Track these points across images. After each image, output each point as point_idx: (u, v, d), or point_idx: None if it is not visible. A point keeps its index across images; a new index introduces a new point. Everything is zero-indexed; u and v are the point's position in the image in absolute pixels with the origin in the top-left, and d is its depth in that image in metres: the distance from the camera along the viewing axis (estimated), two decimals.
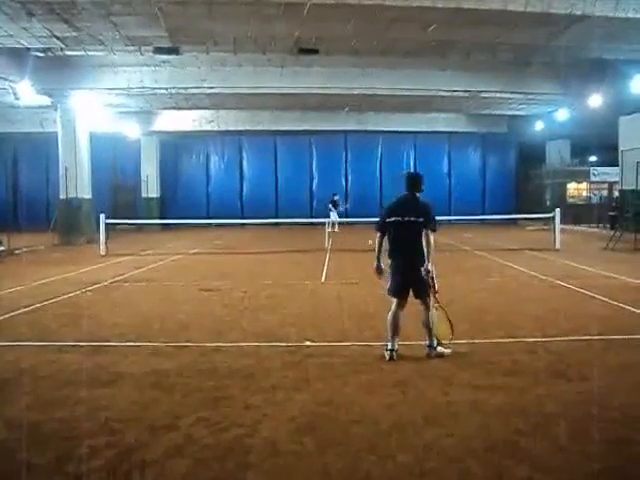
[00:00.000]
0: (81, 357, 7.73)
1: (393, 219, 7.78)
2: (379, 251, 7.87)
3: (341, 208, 34.20)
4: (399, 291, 7.74)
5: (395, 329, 7.65)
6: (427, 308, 7.74)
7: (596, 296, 11.78)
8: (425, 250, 7.59)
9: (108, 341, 8.52)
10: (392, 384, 6.56)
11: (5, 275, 15.92)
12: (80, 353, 7.93)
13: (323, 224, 23.53)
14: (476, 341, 8.41)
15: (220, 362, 7.47)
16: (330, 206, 32.90)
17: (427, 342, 7.75)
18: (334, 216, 31.72)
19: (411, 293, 7.77)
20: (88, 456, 4.78)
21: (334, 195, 34.40)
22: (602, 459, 4.75)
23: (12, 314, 10.49)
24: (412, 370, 7.06)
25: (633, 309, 10.48)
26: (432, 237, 7.64)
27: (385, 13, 16.66)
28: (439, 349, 7.71)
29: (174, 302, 11.90)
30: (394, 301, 7.77)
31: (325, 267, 16.95)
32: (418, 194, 7.93)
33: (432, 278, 7.66)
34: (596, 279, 14.11)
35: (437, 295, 7.81)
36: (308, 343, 8.32)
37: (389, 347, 7.60)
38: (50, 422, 5.51)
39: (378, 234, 7.91)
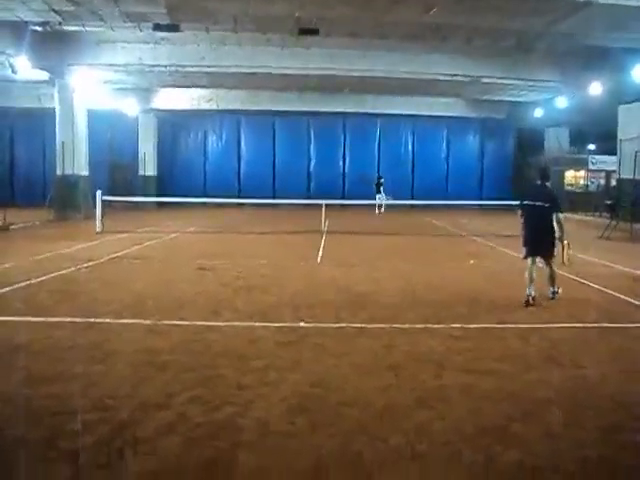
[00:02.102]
0: (75, 333, 7.74)
1: (527, 202, 10.30)
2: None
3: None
4: (529, 255, 10.20)
5: (530, 279, 9.98)
6: (550, 266, 10.20)
7: (590, 284, 11.82)
8: (557, 227, 10.01)
9: (102, 318, 8.50)
10: (385, 367, 6.58)
11: (0, 251, 15.88)
12: (74, 329, 7.93)
13: (320, 205, 23.46)
14: (469, 326, 8.43)
15: (214, 341, 7.49)
16: (376, 188, 33.15)
17: (551, 289, 10.31)
18: (381, 197, 31.96)
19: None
20: (81, 432, 4.79)
21: (379, 178, 34.39)
22: (592, 446, 4.79)
23: (7, 289, 10.46)
24: (406, 354, 7.08)
25: (626, 298, 10.52)
26: (561, 216, 10.08)
27: None
28: (559, 291, 10.30)
29: (169, 280, 11.89)
30: (528, 261, 10.15)
31: (321, 248, 16.95)
32: (547, 183, 10.38)
33: (564, 246, 10.25)
34: (591, 267, 14.13)
35: (570, 251, 10.39)
36: (302, 324, 8.34)
37: (527, 293, 9.89)
38: (43, 398, 5.52)
39: (519, 212, 10.47)
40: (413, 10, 18.09)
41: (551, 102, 32.46)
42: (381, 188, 33.32)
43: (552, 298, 10.21)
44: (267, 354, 6.96)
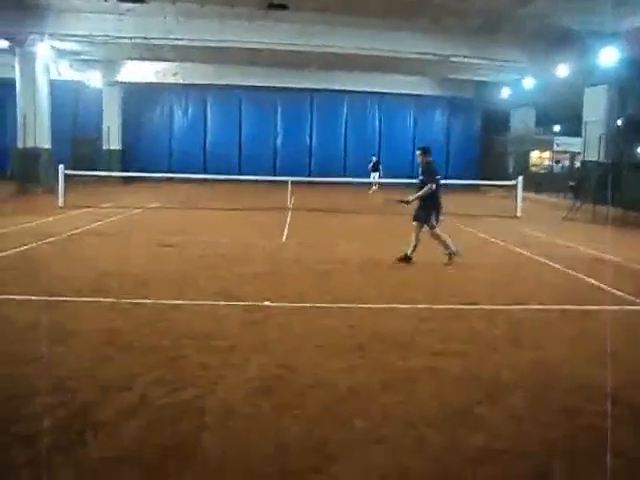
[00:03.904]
0: (34, 312, 7.58)
1: (438, 177, 11.57)
2: None
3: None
4: (436, 221, 11.61)
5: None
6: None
7: (554, 265, 11.93)
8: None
9: (63, 296, 8.33)
10: (351, 348, 6.54)
11: None
12: (33, 308, 7.77)
13: (286, 182, 23.30)
14: (434, 306, 8.44)
15: (177, 320, 7.39)
16: (370, 167, 33.03)
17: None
18: (375, 176, 31.95)
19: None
20: (38, 416, 4.67)
21: (373, 156, 34.25)
22: (555, 428, 4.82)
23: None
24: (371, 334, 7.04)
25: (589, 279, 10.61)
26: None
27: None
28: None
29: (132, 257, 11.74)
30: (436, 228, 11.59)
31: (286, 227, 16.87)
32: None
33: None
34: (555, 248, 14.28)
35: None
36: (267, 303, 8.26)
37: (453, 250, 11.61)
38: None
39: (434, 186, 11.41)
40: None
41: (518, 83, 32.60)
42: (379, 167, 33.32)
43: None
44: (231, 334, 6.88)
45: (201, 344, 6.48)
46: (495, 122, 39.83)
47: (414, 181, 27.31)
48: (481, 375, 5.88)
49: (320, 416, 4.88)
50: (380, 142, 40.85)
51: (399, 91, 38.01)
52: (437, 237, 11.59)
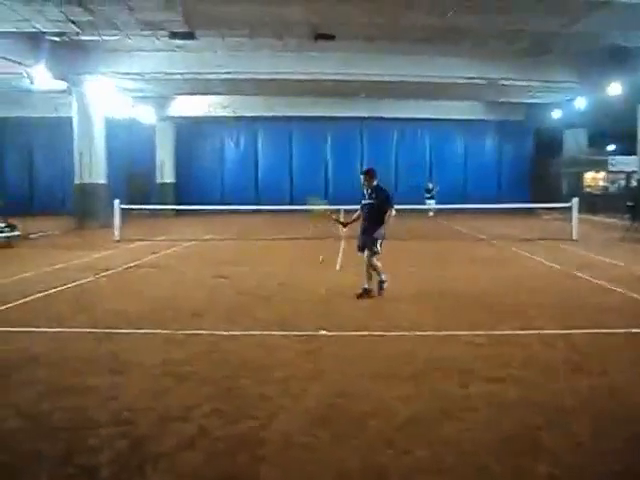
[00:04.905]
0: (93, 344, 7.68)
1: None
2: None
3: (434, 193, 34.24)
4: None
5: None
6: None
7: (614, 288, 11.60)
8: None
9: (120, 328, 8.45)
10: (408, 376, 6.44)
11: (20, 260, 15.94)
12: (92, 340, 7.88)
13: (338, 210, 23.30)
14: (492, 332, 8.27)
15: (233, 351, 7.40)
16: (426, 194, 33.36)
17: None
18: (431, 202, 32.23)
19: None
20: (99, 447, 4.70)
21: (429, 182, 34.47)
22: (620, 458, 4.63)
23: (26, 299, 10.46)
24: (428, 362, 6.94)
25: None
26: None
27: None
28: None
29: (187, 289, 11.85)
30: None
31: (340, 255, 16.82)
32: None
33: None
34: (614, 270, 13.91)
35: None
36: (322, 332, 8.22)
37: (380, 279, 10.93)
38: (60, 411, 5.45)
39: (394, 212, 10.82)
40: (429, 13, 18.00)
41: (569, 103, 32.20)
42: (433, 194, 33.47)
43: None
44: (287, 364, 6.85)
45: (257, 374, 6.47)
46: (547, 144, 39.34)
47: (465, 206, 27.02)
48: (541, 402, 5.71)
49: (379, 445, 4.79)
50: (431, 168, 40.69)
51: (448, 117, 37.91)
52: (375, 266, 10.86)
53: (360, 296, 10.64)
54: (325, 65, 24.84)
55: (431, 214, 32.17)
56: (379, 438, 4.93)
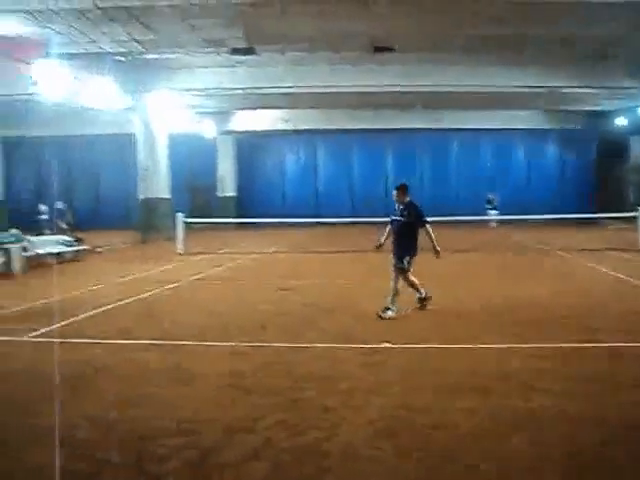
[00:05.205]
0: (159, 356, 7.84)
1: None
2: None
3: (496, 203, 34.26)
4: None
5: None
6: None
7: None
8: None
9: (186, 340, 8.59)
10: (471, 388, 6.38)
11: (86, 273, 16.36)
12: (158, 352, 8.04)
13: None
14: (557, 345, 8.11)
15: (297, 363, 7.44)
16: (487, 204, 33.46)
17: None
18: (492, 213, 32.28)
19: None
20: (167, 456, 4.80)
21: (489, 194, 34.46)
22: None
23: (93, 312, 10.71)
24: (492, 375, 6.85)
25: None
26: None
27: (461, 8, 16.39)
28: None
29: (251, 301, 11.96)
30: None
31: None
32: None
33: None
34: None
35: None
36: (385, 345, 8.19)
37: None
38: (129, 421, 5.58)
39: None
40: (488, 23, 17.84)
41: (634, 109, 31.42)
42: (494, 204, 33.42)
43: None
44: (351, 376, 6.86)
45: (321, 386, 6.50)
46: (611, 152, 38.34)
47: (527, 217, 26.49)
48: (606, 416, 5.57)
49: (444, 459, 4.76)
50: (492, 179, 40.16)
51: (509, 126, 37.39)
52: (413, 283, 10.57)
53: (421, 307, 10.61)
54: (384, 77, 24.86)
55: (493, 225, 31.83)
56: (443, 451, 4.89)
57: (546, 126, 38.10)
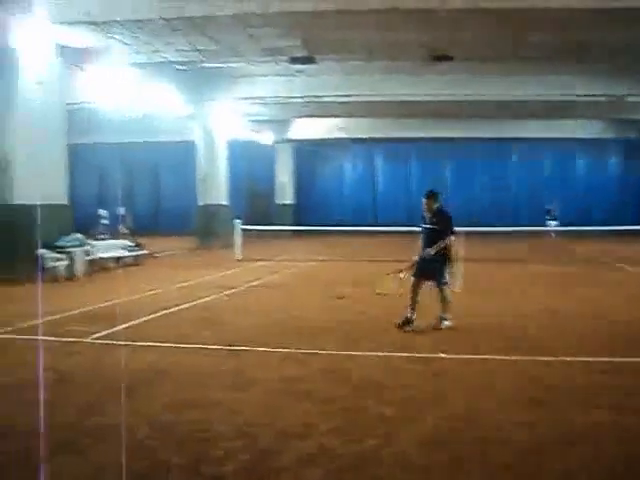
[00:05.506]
0: (216, 360, 7.95)
1: None
2: None
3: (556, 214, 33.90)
4: None
5: None
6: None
7: None
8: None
9: (243, 345, 8.68)
10: (528, 401, 6.30)
11: (146, 277, 16.66)
12: (215, 356, 8.16)
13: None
14: (618, 360, 7.93)
15: (352, 370, 7.45)
16: (546, 215, 33.17)
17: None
18: (552, 224, 32.02)
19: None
20: (223, 459, 4.87)
21: (547, 205, 34.19)
22: None
23: (152, 316, 10.93)
24: (549, 388, 6.75)
25: None
26: None
27: (521, 16, 16.19)
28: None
29: (307, 308, 12.03)
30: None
31: (460, 277, 16.59)
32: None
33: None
34: None
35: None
36: (442, 355, 8.16)
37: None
38: (186, 423, 5.68)
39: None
40: (549, 31, 17.58)
41: None
42: (554, 215, 32.97)
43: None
44: (407, 385, 6.85)
45: (377, 395, 6.50)
46: None
47: (588, 228, 25.87)
48: None
49: (499, 472, 4.71)
50: (551, 188, 39.44)
51: (569, 136, 36.68)
52: (445, 298, 9.94)
53: (401, 326, 9.78)
54: (442, 86, 24.69)
55: (552, 236, 31.30)
56: (498, 464, 4.84)
57: (608, 135, 37.20)
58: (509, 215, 36.87)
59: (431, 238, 9.91)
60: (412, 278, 9.94)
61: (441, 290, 9.83)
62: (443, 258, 9.88)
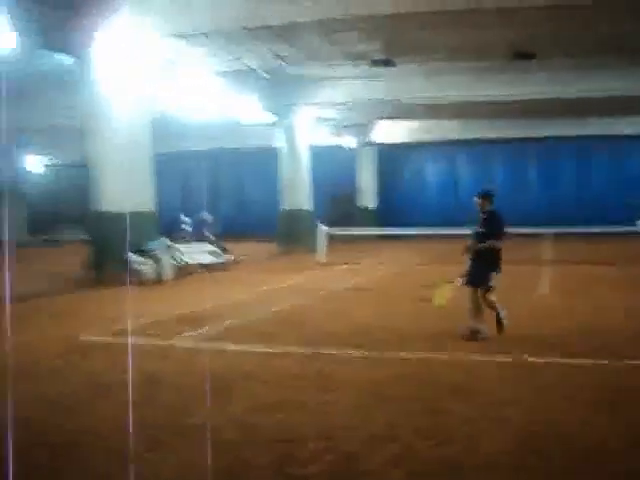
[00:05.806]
0: (300, 363, 8.02)
1: None
2: None
3: None
4: None
5: None
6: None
7: None
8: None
9: (329, 348, 8.73)
10: (602, 403, 6.18)
11: (232, 282, 16.93)
12: (300, 358, 8.23)
13: (533, 235, 22.60)
14: None
15: (438, 373, 7.41)
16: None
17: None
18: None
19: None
20: (308, 460, 4.91)
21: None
22: None
23: (238, 319, 11.11)
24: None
25: None
26: None
27: (603, 10, 15.76)
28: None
29: (392, 312, 12.01)
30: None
31: (544, 279, 16.25)
32: None
33: None
34: None
35: None
36: (526, 357, 8.01)
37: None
38: (271, 424, 5.74)
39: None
40: (634, 24, 17.01)
41: None
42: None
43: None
44: (491, 388, 6.75)
45: (462, 397, 6.43)
46: None
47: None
48: None
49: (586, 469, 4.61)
50: None
51: None
52: (491, 302, 9.42)
53: (469, 338, 9.22)
54: (525, 85, 24.23)
55: None
56: (588, 467, 4.74)
57: None
58: (597, 214, 35.74)
59: (483, 241, 9.49)
60: (467, 287, 9.55)
61: (485, 295, 9.37)
62: (491, 262, 9.45)
